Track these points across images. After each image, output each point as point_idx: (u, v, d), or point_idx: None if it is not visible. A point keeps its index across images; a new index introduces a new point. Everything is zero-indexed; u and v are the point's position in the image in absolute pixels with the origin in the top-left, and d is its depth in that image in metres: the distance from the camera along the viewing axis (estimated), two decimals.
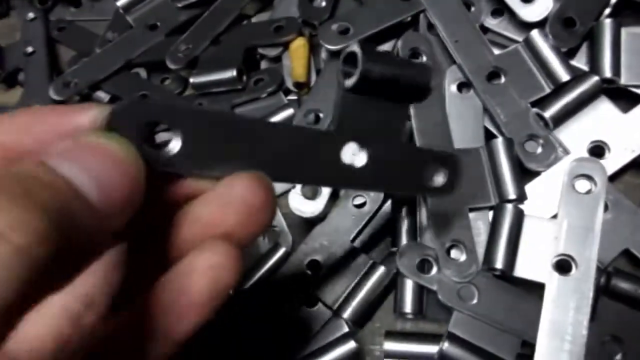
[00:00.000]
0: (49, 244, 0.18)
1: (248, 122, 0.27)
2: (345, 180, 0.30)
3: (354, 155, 0.29)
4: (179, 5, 0.58)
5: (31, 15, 0.67)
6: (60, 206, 0.19)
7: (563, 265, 0.40)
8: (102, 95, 0.59)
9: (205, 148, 0.25)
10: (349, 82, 0.29)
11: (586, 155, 0.44)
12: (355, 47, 0.29)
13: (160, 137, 0.24)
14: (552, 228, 0.41)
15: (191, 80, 0.54)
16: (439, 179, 0.33)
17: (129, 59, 0.59)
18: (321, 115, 0.48)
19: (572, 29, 0.45)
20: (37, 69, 0.63)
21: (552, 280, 0.40)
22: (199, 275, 0.24)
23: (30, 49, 0.64)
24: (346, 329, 0.43)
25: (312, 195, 0.45)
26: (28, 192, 0.19)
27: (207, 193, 0.26)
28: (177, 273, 0.25)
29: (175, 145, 0.24)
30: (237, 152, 0.26)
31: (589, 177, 0.41)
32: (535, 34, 0.46)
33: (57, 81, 0.59)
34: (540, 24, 0.46)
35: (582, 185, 0.41)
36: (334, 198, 0.46)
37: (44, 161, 0.20)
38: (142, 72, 0.60)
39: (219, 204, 0.25)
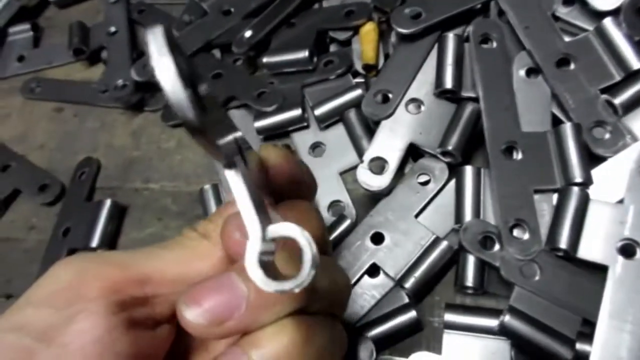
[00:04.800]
0: None
1: None
2: None
3: None
4: None
5: None
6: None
7: (627, 249, 0.40)
8: None
9: None
10: None
11: None
12: None
13: None
14: (618, 212, 0.41)
15: (264, 60, 0.57)
16: None
17: (207, 41, 0.62)
18: (390, 95, 0.50)
19: None
20: (118, 48, 0.67)
21: (616, 263, 0.40)
22: None
23: (113, 29, 0.69)
24: (407, 300, 0.44)
25: (379, 171, 0.47)
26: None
27: None
28: None
29: None
30: None
31: None
32: (608, 22, 0.46)
33: (139, 63, 0.63)
34: (612, 13, 0.47)
35: None
36: (399, 174, 0.48)
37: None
38: (217, 53, 0.63)
39: None
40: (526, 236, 0.43)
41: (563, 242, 0.41)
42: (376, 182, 0.47)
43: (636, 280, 0.39)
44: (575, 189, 0.42)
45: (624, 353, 0.38)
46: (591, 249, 0.41)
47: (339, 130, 0.54)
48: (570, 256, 0.41)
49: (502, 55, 0.49)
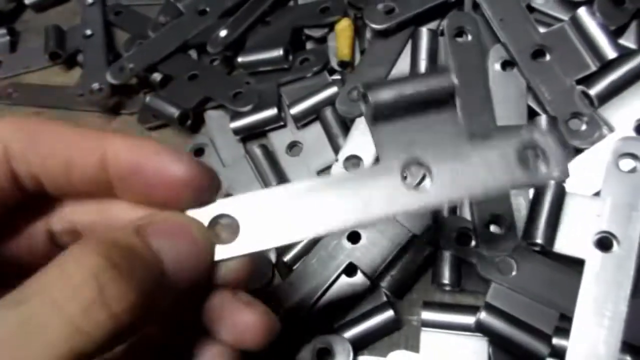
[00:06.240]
0: (136, 312, 0.22)
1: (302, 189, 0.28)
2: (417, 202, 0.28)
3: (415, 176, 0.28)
4: None
5: (90, 0, 0.71)
6: (148, 278, 0.23)
7: (604, 243, 0.40)
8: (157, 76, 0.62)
9: (262, 227, 0.28)
10: (367, 111, 0.29)
11: (632, 133, 0.43)
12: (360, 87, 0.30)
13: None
14: (595, 205, 0.41)
15: (239, 59, 0.56)
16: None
17: (183, 42, 0.61)
18: None
19: (621, 6, 0.45)
20: (95, 51, 0.66)
21: (592, 257, 0.40)
22: None
23: (89, 32, 0.68)
24: (384, 299, 0.44)
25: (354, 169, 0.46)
26: (129, 266, 0.23)
27: None
28: None
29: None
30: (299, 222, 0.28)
31: (633, 156, 0.41)
32: (582, 11, 0.45)
33: (114, 66, 0.62)
34: (586, 3, 0.46)
35: (627, 163, 0.41)
36: None
37: (142, 235, 0.24)
38: (193, 53, 0.62)
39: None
40: (502, 231, 0.42)
41: (539, 237, 0.40)
42: None
43: (613, 274, 0.39)
44: (551, 182, 0.41)
45: (602, 348, 0.37)
46: (568, 243, 0.41)
47: (316, 128, 0.53)
48: (546, 250, 0.41)
49: (477, 48, 0.48)
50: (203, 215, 0.27)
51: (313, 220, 0.27)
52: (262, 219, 0.27)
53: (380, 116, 0.28)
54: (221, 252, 0.27)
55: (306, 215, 0.28)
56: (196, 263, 0.26)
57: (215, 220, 0.28)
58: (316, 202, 0.27)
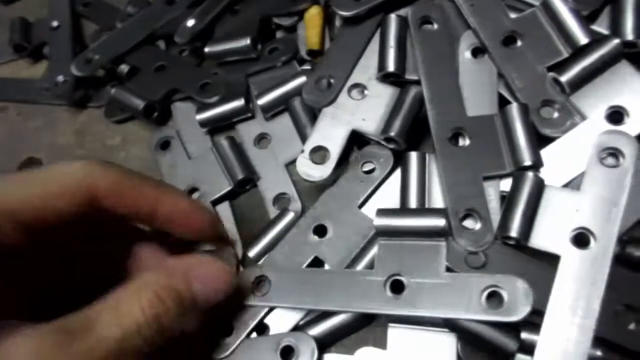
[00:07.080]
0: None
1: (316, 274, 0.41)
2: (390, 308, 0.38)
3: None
4: None
5: None
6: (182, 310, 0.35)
7: (581, 239, 0.38)
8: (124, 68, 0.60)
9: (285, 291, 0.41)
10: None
11: (604, 121, 0.42)
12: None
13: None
14: (574, 200, 0.39)
15: (206, 49, 0.55)
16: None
17: (150, 33, 0.59)
18: (332, 80, 0.47)
19: None
20: (61, 43, 0.65)
21: (568, 254, 0.38)
22: None
23: (55, 23, 0.66)
24: None
25: (320, 160, 0.45)
26: (174, 304, 0.35)
27: None
28: None
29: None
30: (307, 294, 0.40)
31: (616, 150, 0.39)
32: None
33: (79, 58, 0.60)
34: None
35: (609, 158, 0.40)
36: (343, 164, 0.46)
37: (187, 280, 0.36)
38: (162, 45, 0.61)
39: None
40: (478, 226, 0.40)
41: (514, 231, 0.38)
42: (317, 173, 0.44)
43: (588, 272, 0.37)
44: (529, 174, 0.40)
45: (572, 346, 0.36)
46: (544, 237, 0.39)
47: (285, 120, 0.52)
48: (521, 245, 0.39)
49: (445, 37, 0.46)
50: (249, 273, 0.42)
51: (313, 298, 0.39)
52: (286, 286, 0.40)
53: (383, 234, 0.37)
54: (255, 299, 0.41)
55: (310, 293, 0.40)
56: (219, 294, 0.38)
57: (259, 277, 0.42)
58: (319, 286, 0.39)
